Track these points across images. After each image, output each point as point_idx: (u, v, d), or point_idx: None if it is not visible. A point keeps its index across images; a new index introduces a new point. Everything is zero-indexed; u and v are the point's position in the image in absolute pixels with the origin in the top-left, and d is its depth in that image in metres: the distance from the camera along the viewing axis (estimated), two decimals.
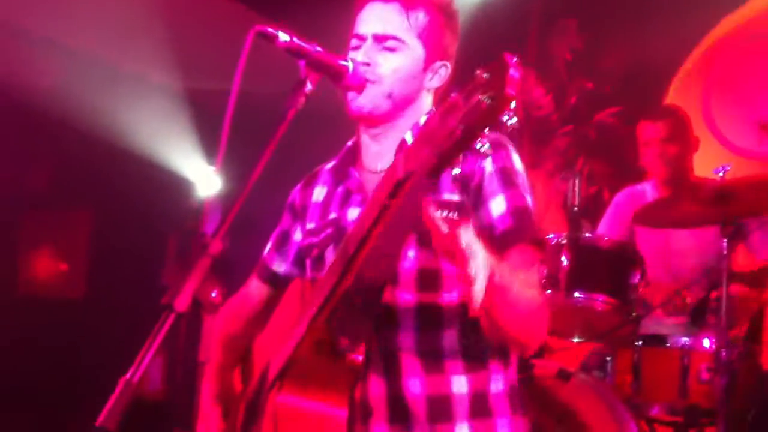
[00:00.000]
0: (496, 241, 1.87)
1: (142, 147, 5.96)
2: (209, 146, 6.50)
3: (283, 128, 1.81)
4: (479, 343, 1.93)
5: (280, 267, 2.26)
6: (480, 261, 1.56)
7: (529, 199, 1.95)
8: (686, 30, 5.14)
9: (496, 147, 1.95)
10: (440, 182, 1.88)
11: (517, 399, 2.01)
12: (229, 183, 5.96)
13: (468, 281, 1.55)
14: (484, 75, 1.28)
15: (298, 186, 2.28)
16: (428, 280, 1.93)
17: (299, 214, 2.23)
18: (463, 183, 1.95)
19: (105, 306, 5.97)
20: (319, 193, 2.20)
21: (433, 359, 1.93)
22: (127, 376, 1.51)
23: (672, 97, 5.16)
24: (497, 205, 1.92)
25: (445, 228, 1.54)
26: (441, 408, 1.91)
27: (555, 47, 5.47)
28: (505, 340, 1.90)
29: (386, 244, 1.70)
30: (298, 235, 2.24)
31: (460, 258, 1.56)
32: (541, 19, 5.57)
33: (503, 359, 2.00)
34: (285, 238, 2.27)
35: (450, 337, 1.94)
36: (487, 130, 1.32)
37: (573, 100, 5.39)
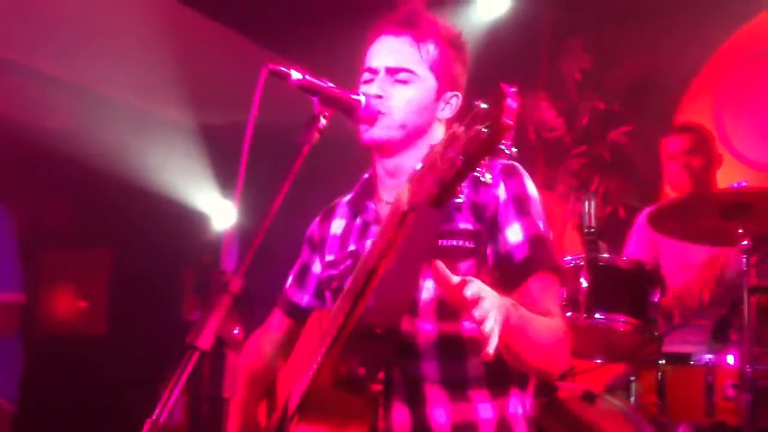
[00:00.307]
0: (515, 270, 1.89)
1: (158, 183, 6.02)
2: (224, 179, 6.54)
3: (299, 164, 1.84)
4: (503, 370, 1.92)
5: (301, 299, 2.29)
6: (488, 306, 1.57)
7: (543, 226, 1.96)
8: (696, 45, 5.14)
9: (509, 174, 1.98)
10: (454, 212, 1.90)
11: (532, 421, 2.02)
12: (244, 215, 6.00)
13: (477, 325, 1.56)
14: (483, 105, 1.30)
15: (317, 219, 2.31)
16: (448, 309, 1.93)
17: (318, 247, 2.26)
18: (477, 212, 1.97)
19: (126, 342, 5.99)
20: (337, 226, 2.23)
21: (457, 388, 1.93)
22: (153, 417, 1.52)
23: (684, 112, 5.16)
24: (513, 234, 1.93)
25: (452, 280, 1.58)
26: None
27: (565, 67, 5.49)
28: (528, 371, 1.92)
29: (398, 275, 1.70)
30: (317, 268, 2.26)
31: (468, 305, 1.57)
32: (550, 40, 5.59)
33: (523, 384, 2.01)
34: (305, 270, 2.30)
35: (474, 366, 1.94)
36: (486, 158, 1.35)
37: (585, 121, 5.40)
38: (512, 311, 1.66)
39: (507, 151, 1.29)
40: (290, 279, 2.33)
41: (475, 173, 1.34)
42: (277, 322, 2.32)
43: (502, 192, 1.95)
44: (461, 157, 1.32)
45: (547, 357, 1.84)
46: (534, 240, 1.93)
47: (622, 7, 5.21)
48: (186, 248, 6.74)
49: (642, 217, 4.22)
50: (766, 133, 4.90)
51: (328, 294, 2.18)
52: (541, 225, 1.96)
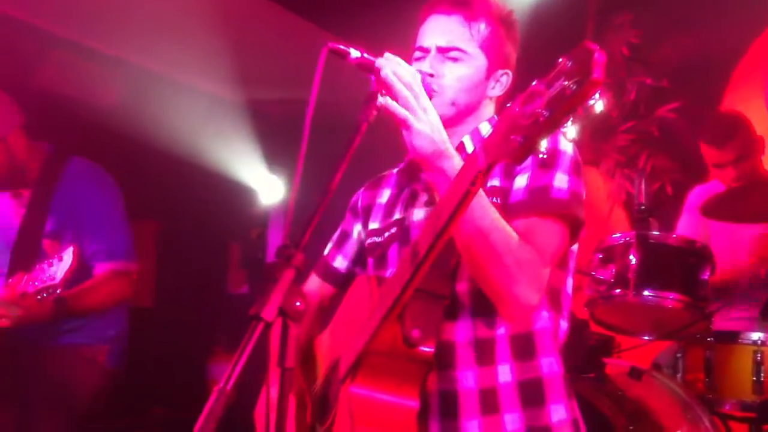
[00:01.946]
0: (508, 208, 1.93)
1: (206, 158, 6.08)
2: (271, 155, 6.59)
3: (358, 140, 1.86)
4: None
5: (341, 265, 2.33)
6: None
7: (563, 179, 1.94)
8: (745, 21, 5.06)
9: None
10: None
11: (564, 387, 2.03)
12: (290, 190, 6.06)
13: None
14: (568, 62, 1.29)
15: (362, 189, 2.35)
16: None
17: (361, 215, 2.30)
18: (507, 169, 1.99)
19: (173, 314, 6.09)
20: (384, 195, 2.27)
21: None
22: (220, 384, 1.56)
23: (733, 90, 5.09)
24: (520, 180, 1.96)
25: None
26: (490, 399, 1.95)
27: (612, 43, 5.43)
28: (487, 289, 1.89)
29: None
30: (358, 234, 2.30)
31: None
32: (596, 16, 5.53)
33: (552, 352, 2.02)
34: (345, 237, 2.34)
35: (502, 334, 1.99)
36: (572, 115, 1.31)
37: (632, 96, 5.35)
38: (476, 199, 1.69)
39: (597, 107, 1.27)
40: (330, 245, 2.37)
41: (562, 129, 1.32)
42: (315, 287, 2.36)
43: None
44: (545, 112, 1.30)
45: (500, 268, 1.80)
46: (535, 190, 1.93)
47: None
48: (233, 223, 6.82)
49: (691, 197, 4.18)
50: None
51: (371, 260, 2.22)
52: (559, 177, 1.94)
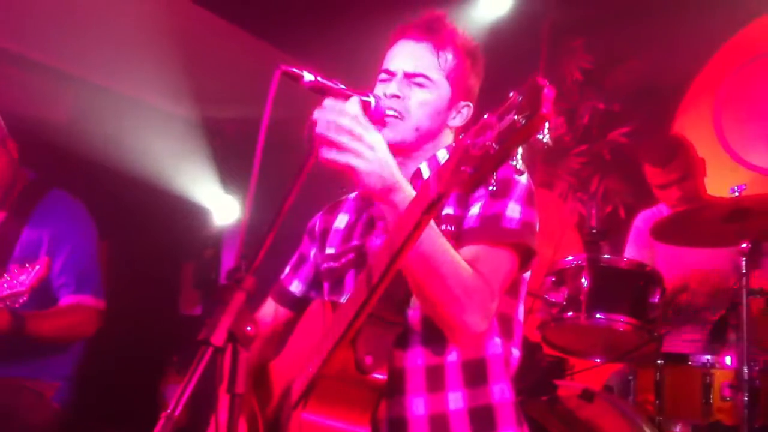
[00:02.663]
0: (461, 234, 1.94)
1: (159, 176, 6.01)
2: (225, 174, 6.54)
3: (311, 163, 1.85)
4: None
5: (297, 288, 2.32)
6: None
7: (516, 209, 1.96)
8: (696, 47, 5.16)
9: None
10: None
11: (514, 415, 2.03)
12: (243, 209, 6.01)
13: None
14: (518, 97, 1.31)
15: (320, 213, 2.35)
16: None
17: (318, 239, 2.30)
18: (460, 198, 2.00)
19: (123, 335, 5.98)
20: (341, 220, 2.27)
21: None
22: (168, 410, 1.54)
23: (683, 113, 5.19)
24: (474, 208, 1.97)
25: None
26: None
27: (565, 68, 5.51)
28: (435, 317, 1.89)
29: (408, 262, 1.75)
30: (314, 259, 2.30)
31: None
32: (550, 41, 5.61)
33: (503, 379, 2.02)
34: (302, 260, 2.34)
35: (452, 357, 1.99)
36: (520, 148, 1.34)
37: (585, 120, 5.42)
38: (427, 235, 1.71)
39: (544, 141, 1.30)
40: (287, 268, 2.37)
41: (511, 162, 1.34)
42: (270, 312, 2.34)
43: None
44: (495, 144, 1.33)
45: (449, 297, 1.81)
46: (487, 217, 1.95)
47: (623, 7, 5.23)
48: (186, 242, 6.74)
49: (637, 221, 4.24)
50: (763, 135, 4.93)
51: (326, 285, 2.21)
52: (511, 206, 1.96)
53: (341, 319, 1.80)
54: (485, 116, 1.38)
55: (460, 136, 1.46)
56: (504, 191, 1.96)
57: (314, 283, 2.30)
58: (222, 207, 6.70)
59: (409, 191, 1.78)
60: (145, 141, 5.83)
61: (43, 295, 3.23)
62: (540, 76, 1.30)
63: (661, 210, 4.13)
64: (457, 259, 1.83)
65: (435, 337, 1.95)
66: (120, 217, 5.92)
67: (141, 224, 6.06)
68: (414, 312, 1.98)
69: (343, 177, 1.79)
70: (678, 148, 4.05)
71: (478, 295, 1.84)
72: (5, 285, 2.90)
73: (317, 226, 2.32)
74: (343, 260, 2.16)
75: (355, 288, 1.81)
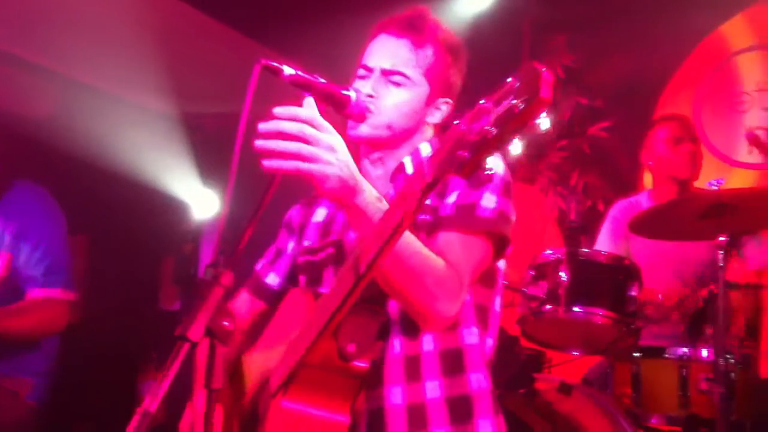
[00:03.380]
0: (435, 222, 1.95)
1: (138, 171, 5.99)
2: (205, 168, 6.53)
3: None
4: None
5: (274, 281, 2.31)
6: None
7: (487, 199, 1.96)
8: (676, 43, 5.22)
9: None
10: None
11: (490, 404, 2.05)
12: (224, 204, 5.99)
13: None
14: (516, 82, 1.31)
15: (297, 205, 2.34)
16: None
17: (295, 231, 2.30)
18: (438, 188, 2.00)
19: (103, 329, 5.97)
20: (320, 214, 2.26)
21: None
22: (144, 405, 1.54)
23: (663, 108, 5.22)
24: (450, 197, 1.98)
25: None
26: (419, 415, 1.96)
27: (547, 64, 5.52)
28: (407, 307, 1.91)
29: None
30: (291, 252, 2.29)
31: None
32: (531, 37, 5.63)
33: (480, 368, 2.03)
34: (279, 253, 2.33)
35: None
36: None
37: (567, 116, 5.45)
38: (373, 202, 1.73)
39: (543, 127, 1.29)
40: (263, 261, 2.36)
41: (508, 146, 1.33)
42: (244, 303, 2.33)
43: None
44: (493, 129, 1.31)
45: (420, 288, 1.81)
46: (463, 206, 1.95)
47: (604, 5, 5.27)
48: (165, 237, 6.72)
49: (615, 209, 4.26)
50: (740, 131, 4.97)
51: (303, 278, 2.21)
52: (487, 196, 1.96)
53: (324, 308, 1.80)
54: (481, 102, 1.37)
55: (455, 122, 1.44)
56: (480, 181, 1.97)
57: (291, 277, 2.30)
58: (201, 201, 6.69)
59: (368, 193, 1.76)
60: (124, 136, 5.81)
61: (10, 288, 3.20)
62: (537, 62, 1.30)
63: (639, 200, 4.16)
64: (425, 251, 1.83)
65: (412, 327, 1.97)
66: (99, 211, 5.90)
67: (120, 219, 6.04)
68: (393, 302, 1.98)
69: (304, 182, 1.76)
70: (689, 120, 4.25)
71: (448, 282, 1.85)
72: None
73: (294, 219, 2.32)
74: (322, 255, 2.16)
75: (339, 278, 1.80)
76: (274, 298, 2.30)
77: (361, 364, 1.87)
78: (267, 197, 1.78)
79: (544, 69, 1.26)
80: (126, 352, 6.11)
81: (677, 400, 3.30)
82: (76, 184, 5.28)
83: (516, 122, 1.29)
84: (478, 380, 2.02)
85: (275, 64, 1.86)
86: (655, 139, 4.14)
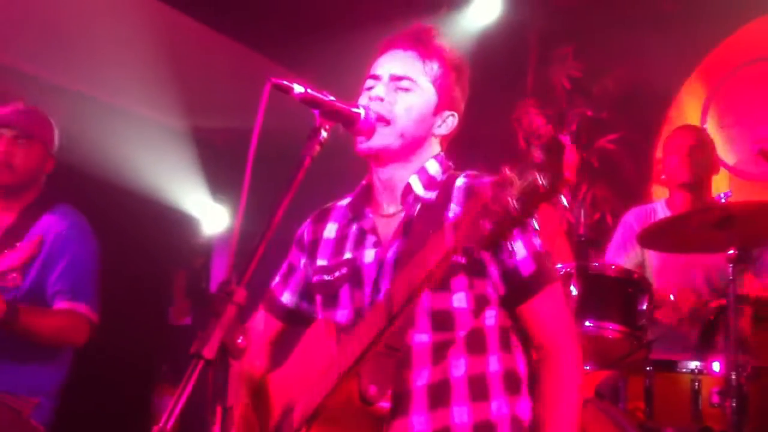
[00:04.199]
0: (524, 285, 1.99)
1: (148, 186, 6.01)
2: (214, 183, 6.54)
3: (301, 175, 1.87)
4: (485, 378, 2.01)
5: (288, 300, 2.31)
6: None
7: (539, 241, 2.04)
8: (684, 55, 5.21)
9: None
10: None
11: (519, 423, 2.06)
12: (235, 219, 6.00)
13: None
14: (540, 155, 1.33)
15: (308, 221, 2.33)
16: (440, 320, 2.00)
17: (307, 248, 2.28)
18: None
19: (113, 345, 5.97)
20: (330, 230, 2.25)
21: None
22: (160, 423, 1.55)
23: (670, 121, 5.22)
24: (518, 249, 2.00)
25: None
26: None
27: (553, 75, 5.54)
28: None
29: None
30: (305, 269, 2.28)
31: None
32: (538, 48, 5.64)
33: (512, 392, 2.04)
34: (292, 270, 2.32)
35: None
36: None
37: (573, 128, 5.44)
38: None
39: (564, 204, 1.34)
40: (277, 279, 2.35)
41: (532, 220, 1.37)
42: (264, 324, 2.34)
43: None
44: (516, 203, 1.35)
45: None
46: (536, 255, 2.01)
47: (611, 15, 5.28)
48: (176, 252, 6.73)
49: (629, 215, 4.22)
50: (750, 144, 4.96)
51: (319, 298, 2.20)
52: (537, 241, 2.03)
53: (348, 350, 1.82)
54: (506, 170, 1.40)
55: (476, 179, 1.46)
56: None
57: (305, 294, 2.29)
58: (212, 217, 6.70)
59: None
60: (135, 151, 5.83)
61: (37, 300, 3.27)
62: (564, 136, 1.33)
63: (655, 208, 4.13)
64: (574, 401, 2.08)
65: (442, 358, 1.98)
66: (110, 226, 5.89)
67: (131, 234, 6.04)
68: (421, 336, 1.98)
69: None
70: (703, 131, 4.33)
71: (578, 375, 2.13)
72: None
73: (306, 235, 2.30)
74: (336, 274, 2.15)
75: (367, 321, 1.83)
76: (289, 317, 2.31)
77: (383, 404, 1.87)
78: (278, 213, 1.79)
79: (570, 145, 1.29)
80: (137, 367, 6.11)
81: (690, 413, 3.30)
82: (87, 199, 5.29)
83: (538, 198, 1.34)
84: (499, 407, 2.01)
85: (285, 82, 1.88)
86: (666, 150, 4.14)
